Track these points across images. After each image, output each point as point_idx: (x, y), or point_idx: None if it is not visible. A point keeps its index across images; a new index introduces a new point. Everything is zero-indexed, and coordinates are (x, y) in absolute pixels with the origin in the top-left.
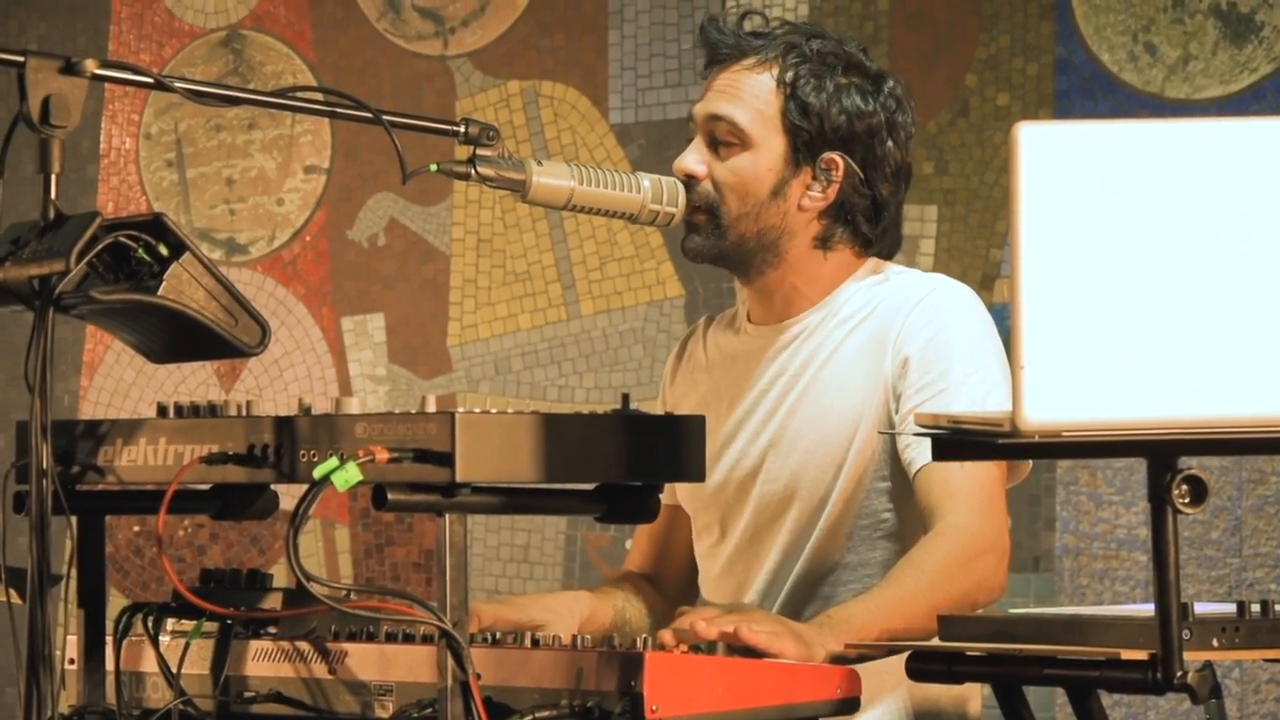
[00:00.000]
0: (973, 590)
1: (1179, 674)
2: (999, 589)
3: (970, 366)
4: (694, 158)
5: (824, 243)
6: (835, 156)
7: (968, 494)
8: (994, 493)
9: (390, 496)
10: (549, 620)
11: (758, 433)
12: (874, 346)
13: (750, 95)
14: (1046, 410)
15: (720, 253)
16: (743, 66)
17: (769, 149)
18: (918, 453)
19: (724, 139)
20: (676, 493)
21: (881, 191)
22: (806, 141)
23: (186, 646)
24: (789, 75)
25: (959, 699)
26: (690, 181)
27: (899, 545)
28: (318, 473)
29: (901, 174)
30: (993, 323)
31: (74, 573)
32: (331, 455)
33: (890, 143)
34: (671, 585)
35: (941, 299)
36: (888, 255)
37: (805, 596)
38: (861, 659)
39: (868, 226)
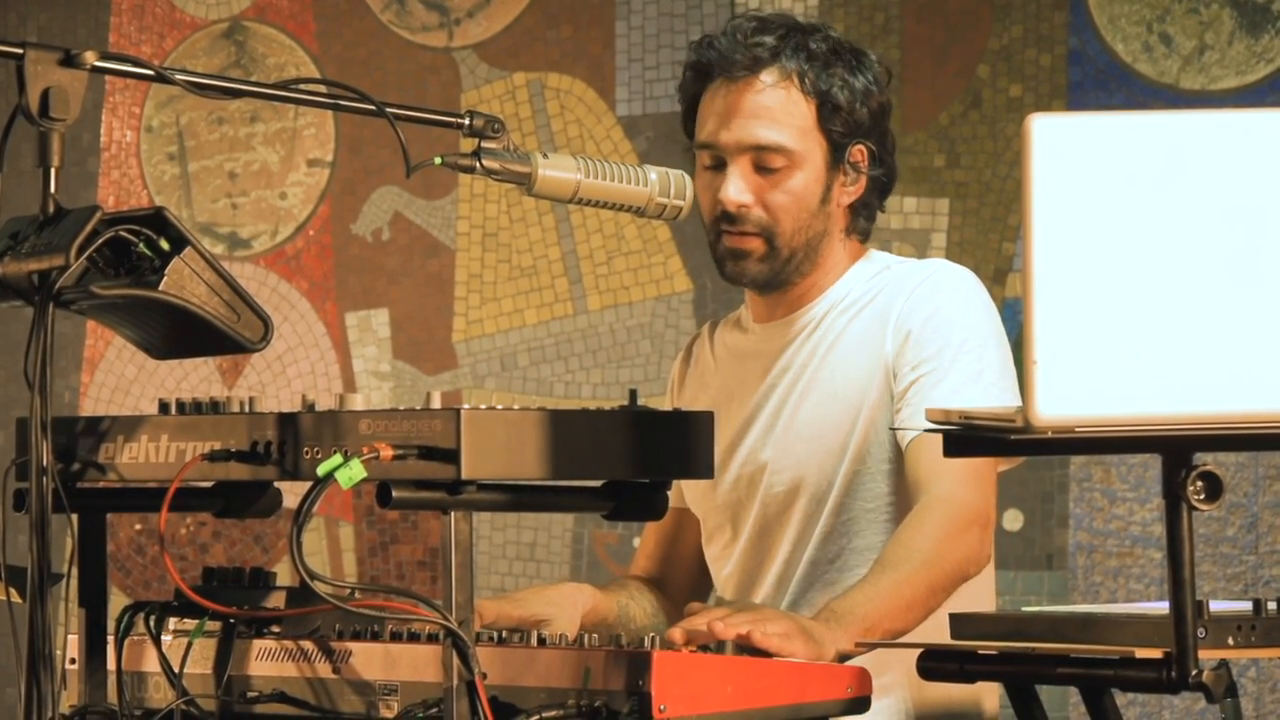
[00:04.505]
0: (963, 564)
1: (1194, 673)
2: (986, 559)
3: (967, 344)
4: (739, 187)
5: (848, 234)
6: (861, 147)
7: (956, 466)
8: (981, 462)
9: (395, 494)
10: (552, 614)
11: (767, 428)
12: (875, 329)
13: (785, 115)
14: (1059, 406)
15: (773, 274)
16: (763, 83)
17: (813, 161)
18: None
19: (771, 166)
20: (686, 497)
21: (892, 164)
22: (840, 142)
23: (189, 646)
24: (810, 80)
25: (972, 696)
26: (742, 211)
27: None
28: (321, 470)
29: (894, 145)
30: (993, 304)
31: (75, 571)
32: (335, 452)
33: (889, 117)
34: (677, 589)
35: (941, 279)
36: (866, 236)
37: (812, 582)
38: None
39: (879, 203)
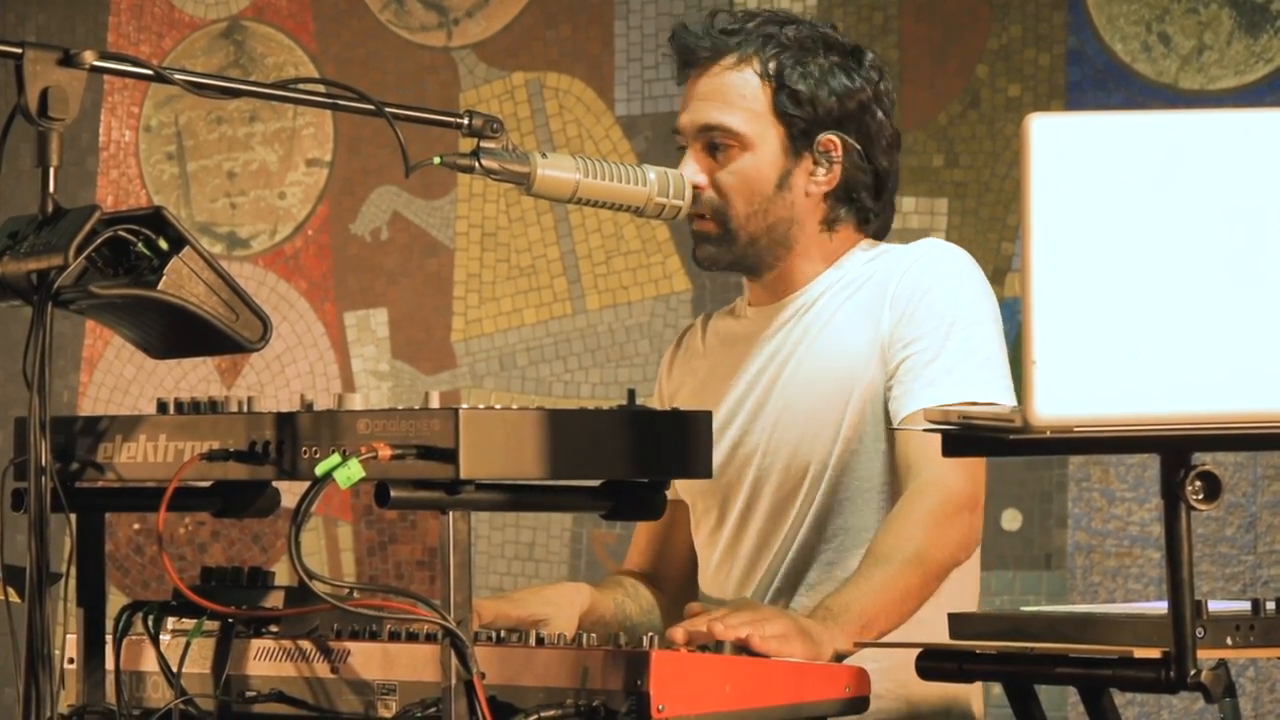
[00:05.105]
0: (955, 551)
1: (1192, 673)
2: (975, 543)
3: (959, 321)
4: (692, 169)
5: (830, 225)
6: (832, 137)
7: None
8: None
9: (393, 494)
10: (550, 614)
11: (758, 408)
12: (872, 308)
13: (737, 96)
14: (1058, 406)
15: (734, 258)
16: (722, 67)
17: (766, 144)
18: (902, 404)
19: (721, 144)
20: (677, 485)
21: (881, 164)
22: (802, 129)
23: (187, 645)
24: (771, 66)
25: (959, 694)
26: (695, 193)
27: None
28: (320, 470)
29: (894, 143)
30: (986, 281)
31: (73, 571)
32: (334, 452)
33: (880, 113)
34: (671, 582)
35: (936, 256)
36: (881, 235)
37: (809, 562)
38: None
39: (872, 201)
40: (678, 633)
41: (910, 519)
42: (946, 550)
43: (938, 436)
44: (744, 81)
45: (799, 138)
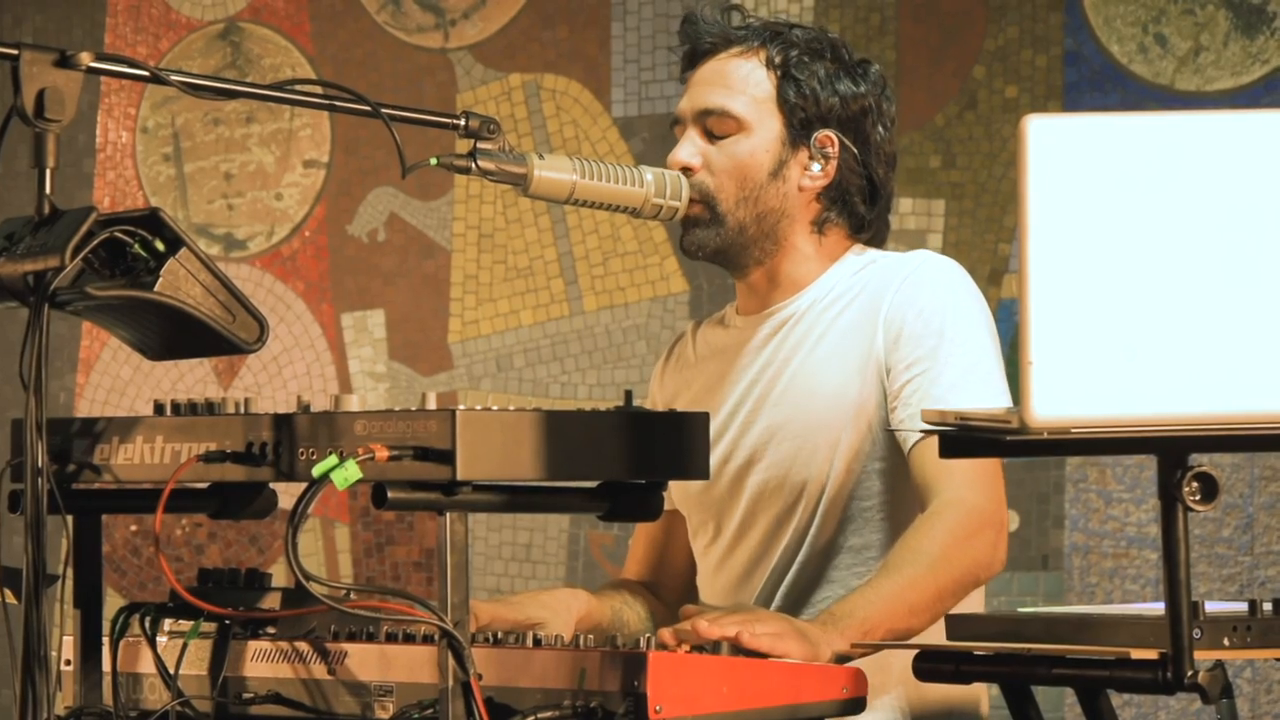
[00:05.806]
0: (973, 568)
1: (1189, 673)
2: (999, 564)
3: (958, 338)
4: (689, 150)
5: (820, 226)
6: (830, 134)
7: (964, 468)
8: (990, 465)
9: (390, 495)
10: (546, 618)
11: (749, 423)
12: (864, 325)
13: (739, 82)
14: (1055, 407)
15: (721, 244)
16: (728, 54)
17: (765, 130)
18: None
19: (719, 131)
20: (674, 496)
21: (877, 173)
22: (802, 120)
23: (184, 647)
24: (778, 58)
25: (965, 697)
26: (686, 174)
27: (899, 525)
28: (317, 471)
29: (891, 162)
30: (979, 292)
31: (70, 572)
32: (331, 453)
33: (880, 127)
34: (670, 591)
35: (928, 271)
36: (877, 244)
37: (810, 584)
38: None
39: (864, 208)
40: (666, 633)
41: (928, 535)
42: (963, 567)
43: (944, 455)
44: (747, 69)
45: (798, 129)
